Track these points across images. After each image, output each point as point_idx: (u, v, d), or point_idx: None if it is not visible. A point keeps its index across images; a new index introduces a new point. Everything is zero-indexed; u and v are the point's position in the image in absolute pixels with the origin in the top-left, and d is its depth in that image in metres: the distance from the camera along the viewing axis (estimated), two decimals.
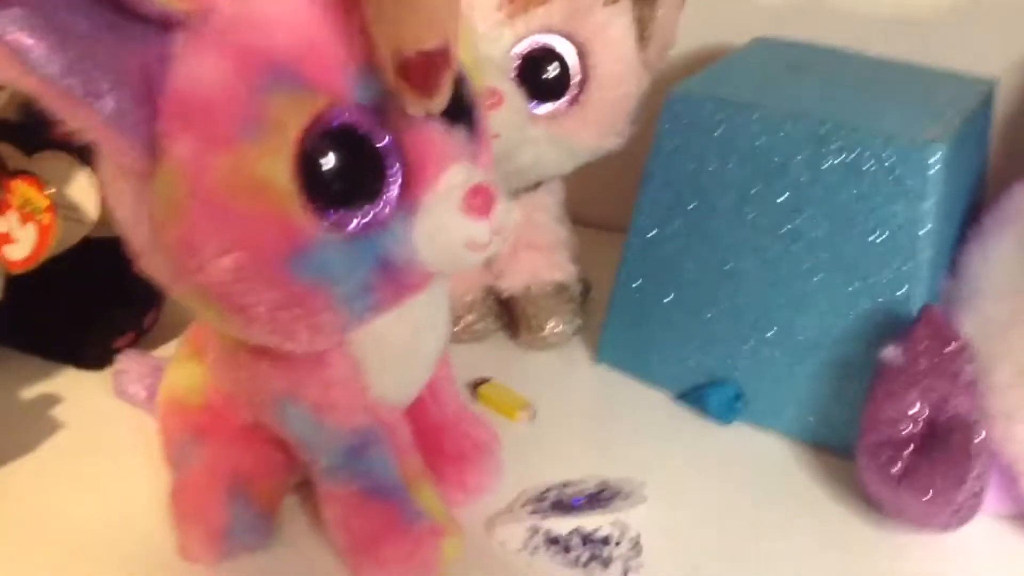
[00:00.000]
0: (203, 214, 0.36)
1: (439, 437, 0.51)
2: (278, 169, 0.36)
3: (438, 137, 0.39)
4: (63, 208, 0.56)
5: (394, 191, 0.38)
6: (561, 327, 0.64)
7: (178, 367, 0.51)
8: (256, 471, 0.48)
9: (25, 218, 0.55)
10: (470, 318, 0.65)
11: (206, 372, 0.49)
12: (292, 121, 0.36)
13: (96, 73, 0.33)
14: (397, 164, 0.38)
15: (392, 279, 0.39)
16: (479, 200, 0.38)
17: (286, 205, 0.36)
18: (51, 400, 0.60)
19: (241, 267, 0.36)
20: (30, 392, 0.61)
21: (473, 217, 0.38)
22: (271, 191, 0.36)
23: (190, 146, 0.35)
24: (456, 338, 0.64)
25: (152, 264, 0.39)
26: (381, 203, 0.38)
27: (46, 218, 0.55)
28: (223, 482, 0.47)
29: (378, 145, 0.38)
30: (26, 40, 0.32)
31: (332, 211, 0.37)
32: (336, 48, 0.36)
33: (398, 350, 0.45)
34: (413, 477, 0.47)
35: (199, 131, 0.35)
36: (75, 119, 0.34)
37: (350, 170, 0.37)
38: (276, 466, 0.48)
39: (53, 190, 0.56)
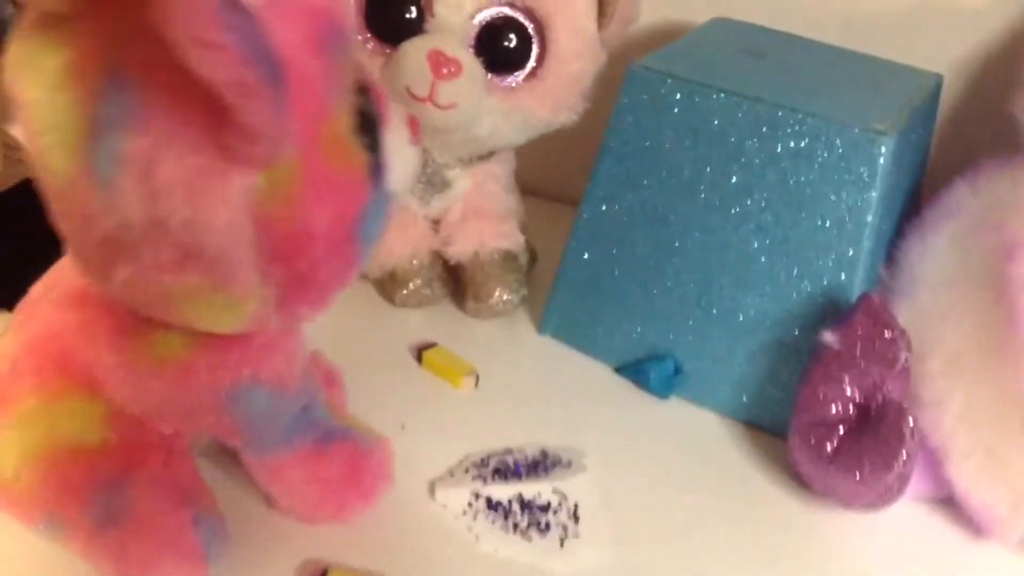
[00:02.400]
0: (313, 194, 0.36)
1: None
2: (350, 128, 0.37)
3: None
4: (3, 147, 0.55)
5: (384, 135, 0.39)
6: (507, 296, 0.65)
7: (47, 415, 0.43)
8: (193, 478, 0.46)
9: None
10: (417, 282, 0.64)
11: (99, 403, 0.43)
12: (347, 80, 0.37)
13: (277, 62, 0.32)
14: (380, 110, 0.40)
15: (387, 220, 0.41)
16: (415, 128, 0.42)
17: (360, 163, 0.38)
18: None
19: (334, 239, 0.37)
20: None
21: (414, 143, 0.42)
22: (353, 152, 0.37)
23: (299, 120, 0.34)
24: (403, 302, 0.64)
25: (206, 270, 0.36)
26: (382, 151, 0.39)
27: None
28: (180, 506, 0.43)
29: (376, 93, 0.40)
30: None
31: (376, 163, 0.39)
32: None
33: None
34: (337, 409, 0.49)
35: (301, 103, 0.34)
36: (254, 108, 0.32)
37: (375, 122, 0.39)
38: (195, 464, 0.46)
39: None
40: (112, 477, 0.42)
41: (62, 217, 0.37)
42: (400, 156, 0.41)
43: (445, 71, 0.57)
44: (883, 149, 0.52)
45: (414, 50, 0.57)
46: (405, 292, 0.64)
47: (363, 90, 0.38)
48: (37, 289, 0.45)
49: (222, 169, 0.33)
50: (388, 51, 0.59)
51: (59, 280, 0.44)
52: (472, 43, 0.58)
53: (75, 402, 0.43)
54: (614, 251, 0.60)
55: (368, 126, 0.38)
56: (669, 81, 0.56)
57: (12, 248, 0.58)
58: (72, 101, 0.34)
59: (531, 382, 0.61)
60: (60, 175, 0.35)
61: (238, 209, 0.34)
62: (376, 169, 0.39)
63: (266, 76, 0.31)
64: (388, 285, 0.65)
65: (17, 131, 0.55)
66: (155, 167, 0.33)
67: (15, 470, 0.42)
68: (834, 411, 0.50)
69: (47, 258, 0.59)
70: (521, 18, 0.59)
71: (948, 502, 0.52)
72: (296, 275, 0.37)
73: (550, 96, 0.60)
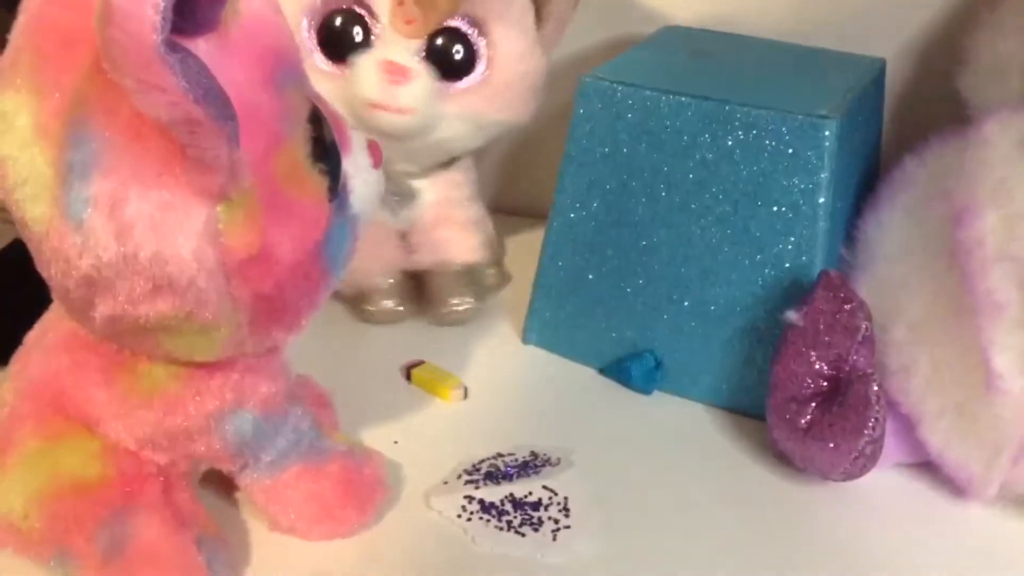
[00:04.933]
0: (273, 220, 0.38)
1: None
2: (306, 156, 0.39)
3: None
4: None
5: (346, 156, 0.42)
6: (466, 306, 0.67)
7: (49, 456, 0.44)
8: (193, 504, 0.47)
9: None
10: (387, 301, 0.66)
11: (96, 439, 0.45)
12: (301, 110, 0.39)
13: (224, 98, 0.35)
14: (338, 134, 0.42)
15: (354, 241, 0.43)
16: (376, 152, 0.45)
17: (318, 188, 0.40)
18: None
19: (299, 262, 0.39)
20: None
21: (375, 165, 0.44)
22: (311, 178, 0.39)
23: (253, 152, 0.37)
24: (371, 318, 0.67)
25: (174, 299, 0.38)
26: (342, 172, 0.42)
27: None
28: (185, 535, 0.44)
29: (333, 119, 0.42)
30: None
31: (335, 187, 0.41)
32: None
33: None
34: (328, 427, 0.51)
35: (255, 136, 0.37)
36: (205, 143, 0.34)
37: (333, 146, 0.41)
38: (194, 490, 0.48)
39: None
40: (115, 509, 0.44)
41: (44, 263, 0.39)
42: (362, 179, 0.43)
43: (398, 77, 0.60)
44: (827, 133, 0.54)
45: (366, 62, 0.60)
46: (373, 309, 0.66)
47: (318, 119, 0.41)
48: (30, 337, 0.47)
49: (183, 203, 0.36)
50: (344, 71, 0.62)
51: (49, 326, 0.46)
52: (421, 54, 0.61)
53: (74, 440, 0.45)
54: (586, 256, 0.62)
55: (325, 153, 0.40)
56: (620, 89, 0.59)
57: (5, 305, 0.60)
58: (42, 154, 0.36)
59: (518, 390, 0.63)
60: (38, 223, 0.37)
61: (201, 239, 0.36)
62: (336, 193, 0.41)
63: (214, 112, 0.34)
64: (358, 302, 0.67)
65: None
66: (121, 206, 0.36)
67: (23, 510, 0.44)
68: (805, 386, 0.52)
69: (38, 313, 0.62)
70: (463, 26, 0.62)
71: (926, 466, 0.54)
72: (264, 298, 0.39)
73: (498, 96, 0.63)
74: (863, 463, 0.50)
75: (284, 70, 0.39)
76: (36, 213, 0.37)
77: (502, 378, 0.64)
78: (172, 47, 0.32)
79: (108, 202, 0.35)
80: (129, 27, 0.31)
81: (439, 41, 0.62)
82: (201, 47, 0.35)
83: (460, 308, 0.67)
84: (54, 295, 0.43)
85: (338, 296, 0.67)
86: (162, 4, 0.31)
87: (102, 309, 0.38)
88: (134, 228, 0.35)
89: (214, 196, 0.36)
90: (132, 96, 0.32)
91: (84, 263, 0.37)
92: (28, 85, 0.36)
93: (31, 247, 0.40)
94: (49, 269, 0.39)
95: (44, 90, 0.36)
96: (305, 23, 0.62)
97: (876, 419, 0.49)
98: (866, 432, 0.49)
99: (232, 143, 0.35)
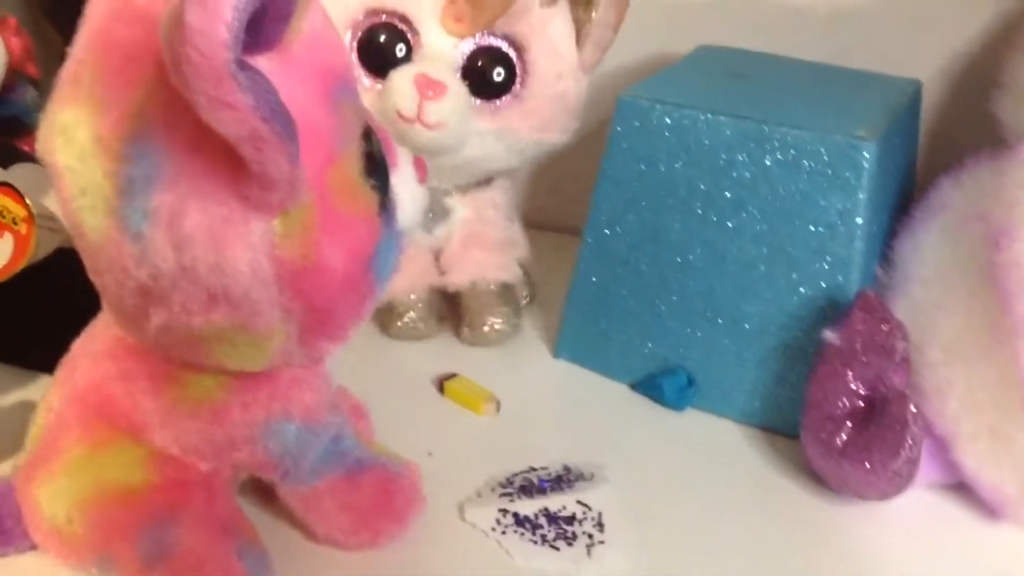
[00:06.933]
0: (326, 234, 0.38)
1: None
2: (359, 172, 0.39)
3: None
4: (39, 218, 0.58)
5: (393, 172, 0.43)
6: (500, 326, 0.67)
7: (94, 462, 0.45)
8: (235, 512, 0.47)
9: (2, 228, 0.57)
10: (412, 315, 0.67)
11: (142, 447, 0.45)
12: (355, 127, 0.40)
13: (288, 116, 0.35)
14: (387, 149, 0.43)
15: (399, 255, 0.44)
16: (421, 168, 0.45)
17: (370, 203, 0.40)
18: (29, 408, 0.61)
19: (349, 275, 0.39)
20: (7, 400, 0.62)
21: (420, 181, 0.45)
22: (363, 193, 0.40)
23: (310, 167, 0.37)
24: (396, 334, 0.67)
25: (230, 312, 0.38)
26: (390, 191, 0.42)
27: (24, 228, 0.57)
28: (227, 543, 0.45)
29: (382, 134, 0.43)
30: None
31: (384, 202, 0.41)
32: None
33: None
34: (365, 437, 0.51)
35: (312, 152, 0.37)
36: (269, 159, 0.35)
37: (383, 162, 0.42)
38: (235, 499, 0.49)
39: (29, 201, 0.57)
40: (158, 516, 0.44)
41: (98, 272, 0.40)
42: (408, 194, 0.44)
43: (431, 92, 0.60)
44: (866, 154, 0.55)
45: (401, 75, 0.61)
46: (399, 324, 0.67)
47: (370, 135, 0.41)
48: (77, 345, 0.48)
49: (242, 216, 0.37)
50: (380, 86, 0.63)
51: (97, 335, 0.47)
52: (459, 71, 0.62)
53: (119, 448, 0.45)
54: (620, 272, 0.62)
55: (376, 168, 0.41)
56: (658, 107, 0.59)
57: (50, 312, 0.61)
58: (102, 166, 0.37)
59: (550, 404, 0.64)
60: (94, 233, 0.38)
61: (258, 252, 0.37)
62: (386, 208, 0.42)
63: (279, 130, 0.34)
64: (385, 317, 0.67)
65: (50, 202, 0.58)
66: (181, 219, 0.36)
67: (67, 516, 0.45)
68: (841, 406, 0.52)
69: (83, 320, 0.63)
70: (501, 45, 0.63)
71: (960, 487, 0.54)
72: (315, 311, 0.40)
73: (535, 115, 0.64)
74: (898, 483, 0.50)
75: (340, 87, 0.39)
76: (93, 223, 0.38)
77: (534, 392, 0.64)
78: (241, 65, 0.32)
79: (168, 214, 0.36)
80: (202, 45, 0.31)
81: (476, 58, 0.62)
82: (263, 64, 0.35)
83: (498, 327, 0.67)
84: (106, 304, 0.43)
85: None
86: (235, 24, 0.31)
87: (156, 319, 0.39)
88: (193, 240, 0.36)
89: (273, 210, 0.37)
90: (200, 112, 0.33)
91: (141, 273, 0.37)
92: (90, 98, 0.37)
93: (85, 256, 0.41)
94: (103, 278, 0.40)
95: (105, 103, 0.37)
96: (347, 38, 0.63)
97: (913, 439, 0.49)
98: (902, 452, 0.49)
99: (294, 160, 0.35)
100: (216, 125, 0.33)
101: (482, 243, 0.69)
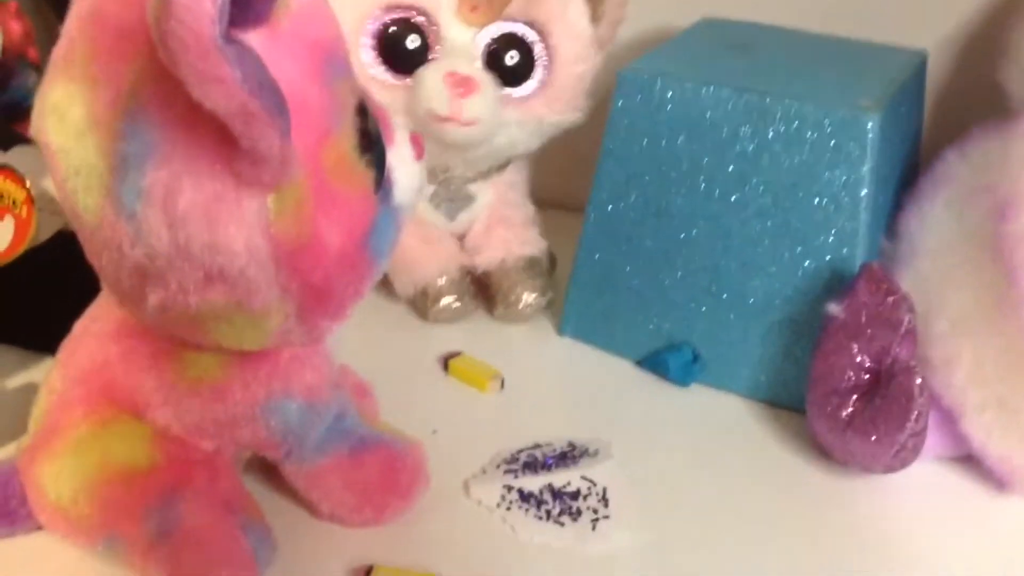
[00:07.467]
0: (322, 211, 0.38)
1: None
2: (353, 148, 0.39)
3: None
4: (40, 200, 0.58)
5: (390, 148, 0.42)
6: (534, 299, 0.67)
7: (98, 442, 0.45)
8: (238, 490, 0.48)
9: (3, 211, 0.57)
10: (449, 298, 0.67)
11: (145, 426, 0.45)
12: (348, 103, 0.39)
13: (278, 91, 0.35)
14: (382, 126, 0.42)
15: (397, 232, 0.43)
16: (418, 144, 0.44)
17: (365, 180, 0.40)
18: (30, 391, 0.61)
19: (346, 253, 0.39)
20: (9, 383, 0.62)
21: (417, 158, 0.44)
22: (357, 169, 0.39)
23: (303, 144, 0.37)
24: (436, 317, 0.67)
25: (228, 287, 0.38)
26: (387, 164, 0.42)
27: (24, 211, 0.56)
28: (231, 520, 0.45)
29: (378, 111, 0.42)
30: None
31: (380, 179, 0.41)
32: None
33: None
34: (369, 415, 0.51)
35: (304, 128, 0.37)
36: (259, 135, 0.34)
37: (379, 138, 0.41)
38: (239, 477, 0.49)
39: (30, 184, 0.57)
40: (162, 494, 0.44)
41: (95, 253, 0.40)
42: (404, 171, 0.43)
43: (463, 89, 0.60)
44: (870, 125, 0.54)
45: (431, 74, 0.61)
46: (437, 308, 0.67)
47: (364, 111, 0.41)
48: (79, 326, 0.48)
49: (235, 194, 0.36)
50: (407, 82, 0.62)
51: (99, 315, 0.47)
52: (481, 62, 0.62)
53: (123, 427, 0.45)
54: (623, 248, 0.62)
55: (371, 145, 0.41)
56: (659, 81, 0.59)
57: (51, 294, 0.61)
58: (95, 145, 0.37)
59: (555, 381, 0.63)
60: (90, 213, 0.38)
61: (253, 229, 0.37)
62: (381, 185, 0.41)
63: (268, 104, 0.34)
64: (420, 302, 0.67)
65: (51, 184, 0.58)
66: (175, 197, 0.36)
67: (73, 496, 0.45)
68: (847, 378, 0.52)
69: (84, 302, 0.62)
70: (521, 31, 0.63)
71: (968, 459, 0.53)
72: (313, 288, 0.39)
73: (559, 99, 0.64)
74: (905, 456, 0.50)
75: (332, 63, 0.39)
76: (88, 203, 0.38)
77: (539, 369, 0.64)
78: (228, 39, 0.32)
79: (162, 193, 0.36)
80: (188, 19, 0.31)
81: (498, 47, 0.62)
82: (253, 39, 0.35)
83: (532, 302, 0.67)
84: (104, 284, 0.43)
85: (395, 297, 0.68)
86: None
87: (153, 298, 0.39)
88: (187, 218, 0.36)
89: (266, 187, 0.36)
90: (188, 87, 0.32)
91: (136, 253, 0.37)
92: (82, 76, 0.37)
93: (81, 236, 0.40)
94: (100, 259, 0.40)
95: (98, 81, 0.36)
96: (365, 34, 0.62)
97: (919, 411, 0.49)
98: (909, 425, 0.49)
99: (285, 135, 0.35)
100: (204, 100, 0.33)
101: (505, 223, 0.69)
